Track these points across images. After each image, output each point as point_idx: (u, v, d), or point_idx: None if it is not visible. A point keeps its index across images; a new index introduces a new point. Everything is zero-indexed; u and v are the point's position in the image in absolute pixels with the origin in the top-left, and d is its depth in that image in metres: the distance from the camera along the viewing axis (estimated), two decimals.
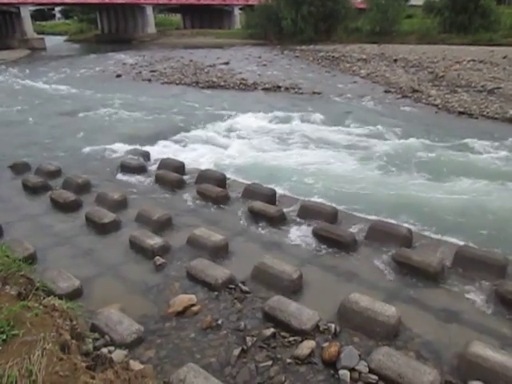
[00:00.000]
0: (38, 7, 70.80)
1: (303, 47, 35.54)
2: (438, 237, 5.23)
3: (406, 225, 5.29)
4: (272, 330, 3.44)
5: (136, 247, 4.82)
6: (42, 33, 60.38)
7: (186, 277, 4.24)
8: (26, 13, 44.56)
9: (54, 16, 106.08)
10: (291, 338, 3.36)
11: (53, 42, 54.14)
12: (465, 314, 3.72)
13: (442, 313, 3.74)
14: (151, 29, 53.01)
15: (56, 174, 7.47)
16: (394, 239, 4.84)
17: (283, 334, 3.42)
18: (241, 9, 58.07)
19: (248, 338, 3.37)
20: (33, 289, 2.79)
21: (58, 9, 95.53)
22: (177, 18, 70.35)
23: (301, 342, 3.31)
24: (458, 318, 3.67)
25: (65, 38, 67.30)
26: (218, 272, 4.13)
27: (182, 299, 3.81)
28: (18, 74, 24.90)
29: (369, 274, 4.37)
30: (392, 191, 7.06)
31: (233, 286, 4.05)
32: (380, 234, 4.96)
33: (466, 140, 9.85)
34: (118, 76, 22.44)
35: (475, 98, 14.61)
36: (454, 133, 10.58)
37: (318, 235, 4.97)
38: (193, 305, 3.77)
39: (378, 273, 4.40)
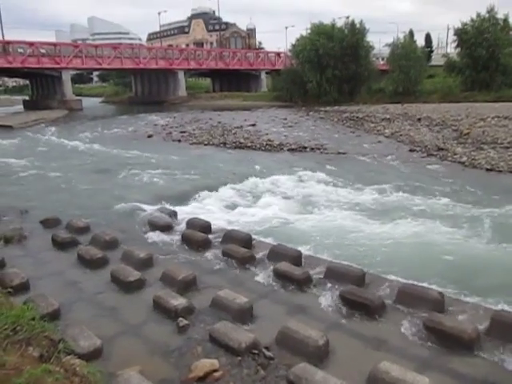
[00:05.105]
0: (78, 71, 75.77)
1: (328, 108, 36.31)
2: (472, 300, 4.99)
3: (436, 288, 5.11)
4: None
5: (159, 307, 4.78)
6: (80, 94, 63.93)
7: (209, 340, 4.14)
8: (67, 76, 47.63)
9: (91, 79, 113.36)
10: None
11: (89, 103, 57.22)
12: None
13: None
14: (182, 92, 55.57)
15: (85, 230, 7.62)
16: (425, 303, 4.66)
17: None
18: (267, 73, 60.60)
19: None
20: (55, 351, 2.77)
21: (95, 73, 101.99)
22: (206, 81, 73.85)
23: None
24: None
25: (100, 99, 71.24)
26: (241, 336, 4.02)
27: (204, 364, 3.70)
28: (55, 132, 26.25)
29: (398, 341, 4.17)
30: (421, 251, 6.85)
31: (256, 351, 3.91)
32: (410, 298, 4.78)
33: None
34: (150, 136, 23.24)
35: (502, 154, 14.44)
36: (485, 190, 10.39)
37: (345, 299, 4.83)
38: (215, 370, 3.65)
39: (408, 340, 4.19)
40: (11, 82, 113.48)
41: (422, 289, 4.95)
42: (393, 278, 5.58)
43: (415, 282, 5.25)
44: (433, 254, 6.72)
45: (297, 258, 6.03)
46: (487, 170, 12.97)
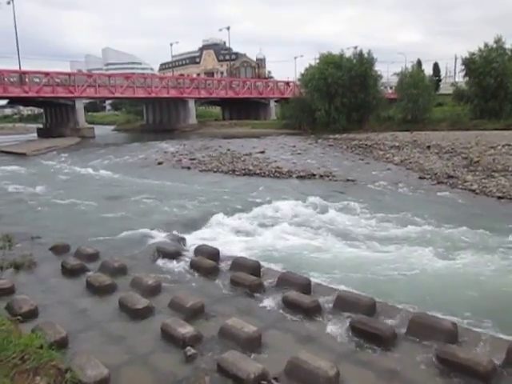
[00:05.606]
0: (91, 100, 77.47)
1: (336, 136, 36.38)
2: (486, 331, 4.87)
3: (450, 318, 4.99)
4: None
5: (167, 335, 4.73)
6: (93, 122, 64.92)
7: (217, 370, 4.07)
8: (80, 105, 48.73)
9: (104, 108, 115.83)
10: None
11: (102, 130, 58.16)
12: None
13: None
14: (192, 120, 56.36)
15: (94, 256, 7.62)
16: (438, 333, 4.56)
17: None
18: (276, 101, 61.43)
19: None
20: (62, 380, 2.74)
21: (108, 101, 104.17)
22: (216, 109, 74.98)
23: None
24: None
25: (113, 127, 72.49)
26: (250, 366, 3.94)
27: None
28: (68, 159, 26.66)
29: (411, 373, 4.06)
30: (441, 281, 6.68)
31: (265, 383, 3.84)
32: (422, 328, 4.69)
33: None
34: (160, 163, 23.43)
35: None
36: (501, 218, 10.26)
37: (356, 328, 4.75)
38: None
39: (420, 372, 4.09)
40: (26, 111, 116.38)
41: (434, 319, 4.85)
42: (405, 307, 5.48)
43: (427, 312, 5.15)
44: (454, 285, 6.54)
45: (306, 286, 5.97)
46: (498, 197, 12.87)
